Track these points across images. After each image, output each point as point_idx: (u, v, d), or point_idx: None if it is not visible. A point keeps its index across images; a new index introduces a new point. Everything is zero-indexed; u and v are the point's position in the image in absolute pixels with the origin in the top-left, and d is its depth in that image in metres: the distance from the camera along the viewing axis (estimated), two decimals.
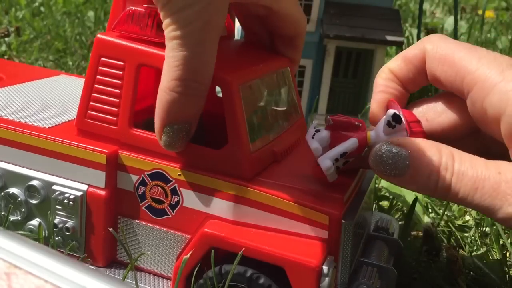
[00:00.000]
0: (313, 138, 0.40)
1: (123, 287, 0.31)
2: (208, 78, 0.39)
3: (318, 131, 0.40)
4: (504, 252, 0.59)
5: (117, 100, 0.43)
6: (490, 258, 0.59)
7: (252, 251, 0.39)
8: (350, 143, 0.39)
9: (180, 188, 0.42)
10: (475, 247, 0.61)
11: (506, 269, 0.56)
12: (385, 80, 0.42)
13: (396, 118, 0.39)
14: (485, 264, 0.57)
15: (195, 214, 0.42)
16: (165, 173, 0.42)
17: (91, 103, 0.44)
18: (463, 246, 0.61)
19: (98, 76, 0.44)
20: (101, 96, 0.44)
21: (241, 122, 0.41)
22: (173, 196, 0.43)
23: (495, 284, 0.55)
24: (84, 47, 1.22)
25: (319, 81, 0.84)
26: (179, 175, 0.42)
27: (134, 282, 0.43)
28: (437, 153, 0.36)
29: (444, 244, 0.60)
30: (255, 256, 0.39)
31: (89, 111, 0.44)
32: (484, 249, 0.60)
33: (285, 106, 0.50)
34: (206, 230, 0.41)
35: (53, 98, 0.54)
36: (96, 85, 0.44)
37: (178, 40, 0.38)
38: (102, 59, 0.43)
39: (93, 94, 0.44)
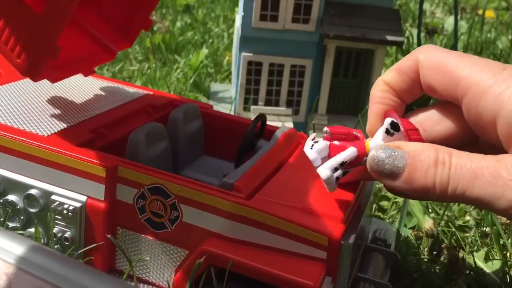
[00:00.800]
0: (311, 149, 0.40)
1: (123, 287, 0.31)
2: None
3: (316, 142, 0.40)
4: (505, 252, 0.59)
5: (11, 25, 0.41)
6: (491, 258, 0.59)
7: (250, 270, 0.39)
8: (349, 152, 0.39)
9: (180, 204, 0.42)
10: (475, 247, 0.60)
11: (507, 269, 0.56)
12: (381, 92, 0.42)
13: (394, 125, 0.39)
14: (485, 264, 0.57)
15: (194, 229, 0.42)
16: (165, 189, 0.42)
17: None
18: (464, 246, 0.61)
19: None
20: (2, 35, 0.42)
21: None
22: (173, 211, 0.43)
23: (495, 284, 0.55)
24: None
25: (319, 81, 0.84)
26: (179, 191, 0.42)
27: (133, 284, 0.43)
28: (435, 151, 0.36)
29: (444, 244, 0.60)
30: (253, 276, 0.39)
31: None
32: (485, 249, 0.60)
33: None
34: (205, 248, 0.41)
35: (53, 97, 0.54)
36: None
37: None
38: None
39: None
